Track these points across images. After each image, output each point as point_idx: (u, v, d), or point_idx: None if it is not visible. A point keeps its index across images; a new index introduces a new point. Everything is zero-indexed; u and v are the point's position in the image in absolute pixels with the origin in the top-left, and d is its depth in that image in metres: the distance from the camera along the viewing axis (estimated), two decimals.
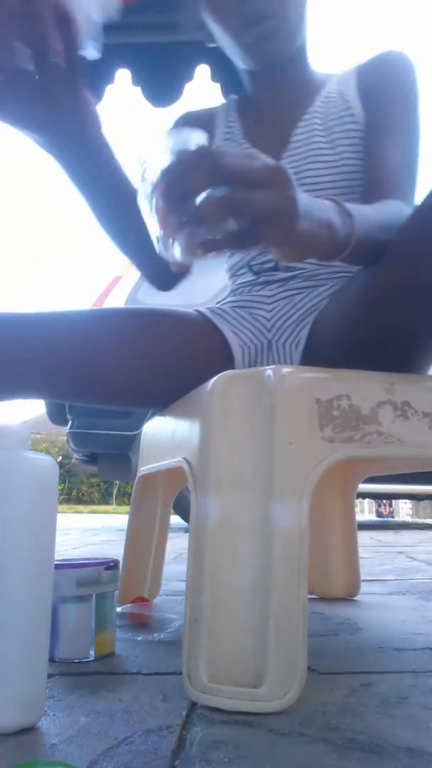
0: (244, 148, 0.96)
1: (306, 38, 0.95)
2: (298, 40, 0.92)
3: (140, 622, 0.97)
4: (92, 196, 0.80)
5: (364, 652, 0.81)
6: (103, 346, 0.84)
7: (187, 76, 1.90)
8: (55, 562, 0.67)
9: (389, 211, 0.71)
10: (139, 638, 0.88)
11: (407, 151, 0.86)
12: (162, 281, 0.95)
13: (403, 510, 11.15)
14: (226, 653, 0.60)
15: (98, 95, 1.86)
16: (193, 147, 0.52)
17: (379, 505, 10.69)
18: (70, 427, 3.50)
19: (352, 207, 0.64)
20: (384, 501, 10.23)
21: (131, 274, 3.67)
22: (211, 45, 0.99)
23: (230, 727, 0.55)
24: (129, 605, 1.02)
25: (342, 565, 1.23)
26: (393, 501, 10.31)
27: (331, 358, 0.77)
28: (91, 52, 0.60)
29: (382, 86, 0.90)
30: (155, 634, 0.90)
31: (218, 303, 1.00)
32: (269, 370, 0.65)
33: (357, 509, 5.76)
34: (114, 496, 17.35)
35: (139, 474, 1.12)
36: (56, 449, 14.74)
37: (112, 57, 1.85)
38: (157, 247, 0.54)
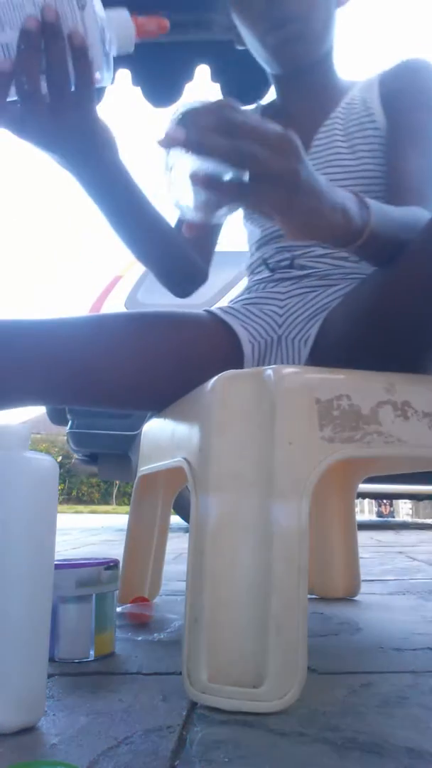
0: None
1: (333, 43, 0.95)
2: (325, 45, 0.93)
3: (140, 622, 0.97)
4: (110, 215, 0.81)
5: (364, 652, 0.81)
6: (108, 352, 0.84)
7: (187, 76, 1.90)
8: (55, 562, 0.66)
9: (407, 213, 0.72)
10: (139, 638, 0.88)
11: (429, 158, 0.86)
12: (180, 289, 0.97)
13: (403, 510, 11.15)
14: (226, 653, 0.60)
15: (98, 95, 1.86)
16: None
17: (380, 505, 10.69)
18: (70, 427, 3.50)
19: (370, 201, 0.66)
20: (384, 501, 10.23)
21: (131, 274, 3.67)
22: (240, 47, 0.99)
23: (230, 727, 0.55)
24: (129, 605, 1.02)
25: (342, 565, 1.23)
26: (393, 501, 10.30)
27: (340, 356, 0.77)
28: (104, 80, 0.64)
29: (404, 94, 0.91)
30: (155, 634, 0.90)
31: (230, 302, 1.01)
32: (269, 370, 0.65)
33: (357, 509, 5.76)
34: (114, 496, 17.34)
35: (139, 474, 1.12)
36: (56, 449, 14.74)
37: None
38: (173, 202, 0.56)
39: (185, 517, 3.34)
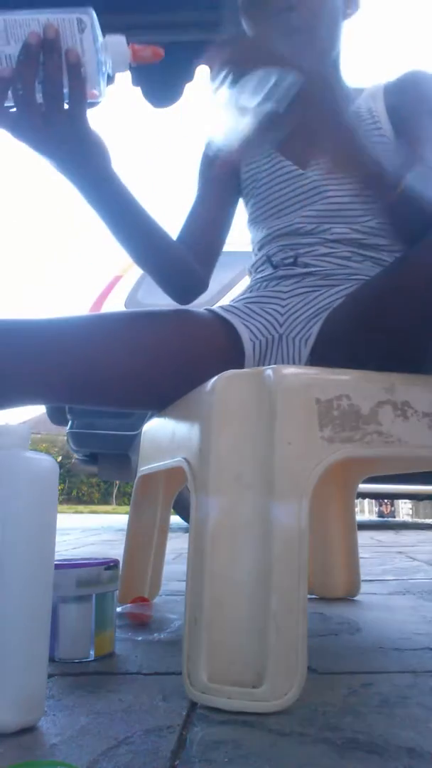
0: (273, 158, 0.98)
1: (340, 54, 0.96)
2: (332, 56, 0.94)
3: (140, 622, 0.97)
4: (106, 221, 0.82)
5: (364, 652, 0.81)
6: (108, 350, 0.85)
7: (187, 76, 1.90)
8: (55, 562, 0.66)
9: None
10: (139, 638, 0.88)
11: None
12: (178, 296, 0.97)
13: (403, 510, 11.15)
14: (226, 653, 0.60)
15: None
16: None
17: (381, 505, 10.69)
18: (70, 427, 3.49)
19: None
20: (385, 500, 10.23)
21: (131, 274, 3.67)
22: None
23: (230, 727, 0.55)
24: (129, 605, 1.02)
25: (342, 565, 1.23)
26: (393, 501, 10.30)
27: (340, 356, 0.77)
28: (98, 96, 0.70)
29: (411, 102, 0.92)
30: (155, 634, 0.90)
31: (232, 301, 1.01)
32: (269, 370, 0.65)
33: (357, 509, 5.75)
34: (114, 496, 17.35)
35: (139, 474, 1.12)
36: (56, 449, 14.74)
37: None
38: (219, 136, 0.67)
39: (185, 517, 3.34)
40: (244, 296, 1.00)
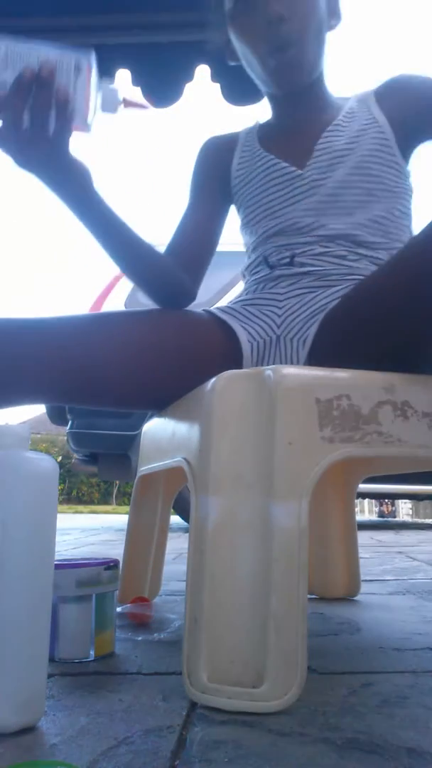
0: (267, 160, 0.99)
1: (324, 68, 0.98)
2: (318, 68, 0.96)
3: (140, 622, 0.97)
4: (93, 235, 0.86)
5: (364, 652, 0.81)
6: (107, 350, 0.85)
7: (187, 76, 1.90)
8: (55, 562, 0.67)
9: None
10: (139, 638, 0.88)
11: None
12: (168, 305, 0.97)
13: (403, 510, 11.15)
14: (226, 653, 0.60)
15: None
16: None
17: (381, 504, 10.69)
18: (70, 427, 3.49)
19: None
20: (386, 500, 10.22)
21: None
22: (233, 63, 1.02)
23: (230, 727, 0.55)
24: (129, 605, 1.02)
25: (342, 565, 1.23)
26: (394, 501, 10.30)
27: (339, 356, 0.77)
28: (84, 130, 0.76)
29: (409, 91, 0.95)
30: (155, 634, 0.90)
31: (229, 303, 1.01)
32: (269, 370, 0.65)
33: (357, 509, 5.75)
34: (114, 496, 17.34)
35: (139, 474, 1.12)
36: (56, 449, 14.74)
37: (112, 57, 1.85)
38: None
39: (185, 517, 3.34)
40: (241, 298, 1.00)
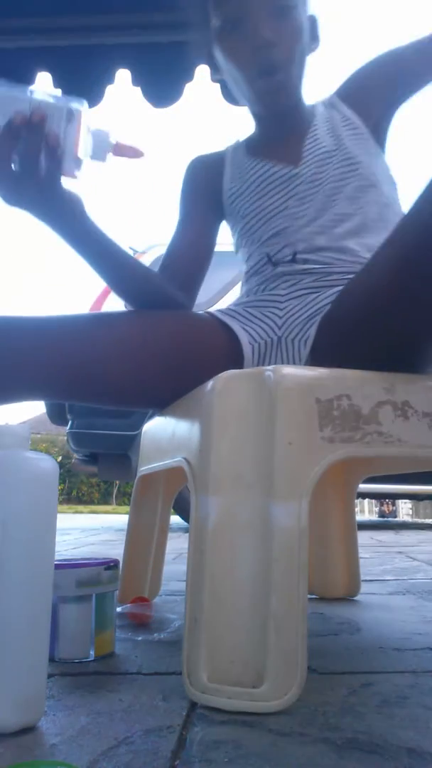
0: (261, 166, 1.00)
1: (302, 88, 1.01)
2: (300, 91, 0.99)
3: (140, 622, 0.97)
4: (86, 260, 0.86)
5: (364, 652, 0.81)
6: (108, 349, 0.85)
7: (187, 76, 1.90)
8: (55, 562, 0.67)
9: None
10: (139, 638, 0.88)
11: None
12: None
13: (404, 510, 11.15)
14: (226, 653, 0.60)
15: (98, 95, 1.86)
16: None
17: (382, 504, 10.69)
18: (70, 427, 3.50)
19: None
20: (387, 500, 10.22)
21: None
22: (216, 79, 1.04)
23: (230, 727, 0.55)
24: (129, 605, 1.02)
25: (342, 565, 1.23)
26: (395, 501, 10.30)
27: (339, 356, 0.77)
28: (72, 175, 0.77)
29: (363, 78, 1.01)
30: (155, 634, 0.90)
31: (230, 305, 1.01)
32: (269, 370, 0.65)
33: (357, 509, 5.75)
34: (114, 496, 17.34)
35: (139, 474, 1.12)
36: (56, 449, 14.74)
37: (112, 57, 1.85)
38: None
39: (185, 517, 3.34)
40: (242, 300, 1.00)
